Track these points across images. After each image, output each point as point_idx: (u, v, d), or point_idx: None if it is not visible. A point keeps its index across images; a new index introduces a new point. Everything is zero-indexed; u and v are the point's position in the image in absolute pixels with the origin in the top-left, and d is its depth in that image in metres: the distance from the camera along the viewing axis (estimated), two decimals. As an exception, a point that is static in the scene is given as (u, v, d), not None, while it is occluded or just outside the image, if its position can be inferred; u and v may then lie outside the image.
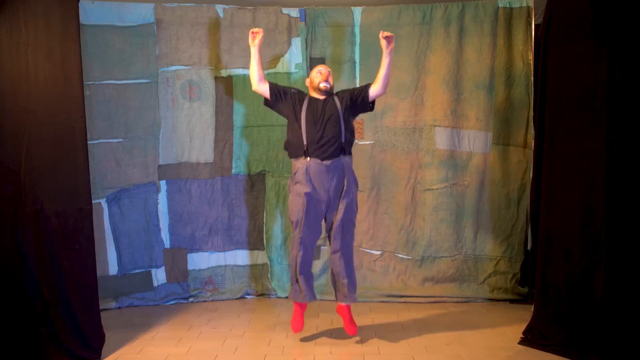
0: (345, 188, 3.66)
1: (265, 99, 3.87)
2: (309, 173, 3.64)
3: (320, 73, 3.79)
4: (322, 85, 3.74)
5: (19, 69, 3.26)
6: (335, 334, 3.88)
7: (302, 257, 3.66)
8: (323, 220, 3.79)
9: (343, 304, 3.73)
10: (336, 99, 3.77)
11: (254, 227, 4.85)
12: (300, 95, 3.82)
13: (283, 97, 3.81)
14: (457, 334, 3.84)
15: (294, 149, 3.75)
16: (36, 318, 3.23)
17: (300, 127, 3.69)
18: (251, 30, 3.84)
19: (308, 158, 3.66)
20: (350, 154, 3.73)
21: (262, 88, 3.83)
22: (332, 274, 3.80)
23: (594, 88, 3.33)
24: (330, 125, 3.65)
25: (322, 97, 3.76)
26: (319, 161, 3.64)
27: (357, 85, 4.76)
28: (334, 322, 4.09)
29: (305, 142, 3.66)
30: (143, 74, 4.62)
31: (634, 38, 3.20)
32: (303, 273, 3.69)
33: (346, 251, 3.70)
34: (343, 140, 3.66)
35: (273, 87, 3.84)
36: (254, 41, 3.81)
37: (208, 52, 4.71)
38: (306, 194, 3.62)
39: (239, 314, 4.38)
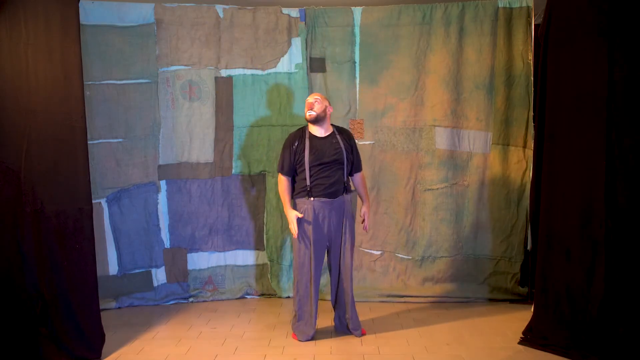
0: (344, 223, 3.75)
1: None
2: (314, 211, 3.67)
3: (306, 103, 3.77)
4: (307, 115, 3.73)
5: (19, 69, 3.26)
6: (335, 333, 3.88)
7: (312, 293, 3.71)
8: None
9: (359, 335, 3.81)
10: (339, 139, 3.75)
11: (254, 227, 4.85)
12: (300, 137, 3.76)
13: (294, 163, 3.75)
14: (457, 334, 3.84)
15: (297, 189, 3.77)
16: (36, 318, 3.23)
17: (304, 170, 3.69)
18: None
19: (312, 198, 3.68)
20: (349, 191, 3.81)
21: (287, 184, 3.80)
22: (336, 308, 3.88)
23: (594, 88, 3.33)
24: (335, 167, 3.69)
25: (322, 135, 3.75)
26: (323, 199, 3.67)
27: (357, 86, 4.78)
28: (333, 322, 4.09)
29: (308, 183, 3.68)
30: (143, 74, 4.62)
31: (633, 38, 3.20)
32: (308, 310, 3.73)
33: (348, 288, 3.78)
34: (345, 179, 3.75)
35: (287, 171, 3.76)
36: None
37: (208, 52, 4.71)
38: (313, 234, 3.67)
39: (239, 314, 4.38)
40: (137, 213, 4.63)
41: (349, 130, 3.94)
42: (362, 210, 3.91)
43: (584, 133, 3.38)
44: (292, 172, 3.77)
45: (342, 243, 3.75)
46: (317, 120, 3.73)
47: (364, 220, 3.91)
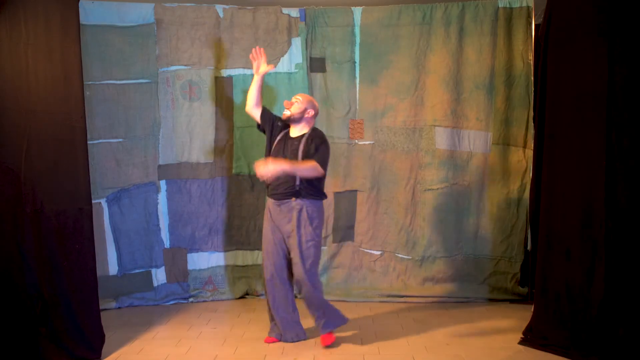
0: (294, 230, 3.55)
1: (257, 124, 3.83)
2: (270, 210, 3.65)
3: (285, 102, 3.72)
4: (283, 113, 3.68)
5: (19, 69, 3.25)
6: (335, 333, 3.87)
7: (274, 296, 3.63)
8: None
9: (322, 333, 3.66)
10: (304, 142, 3.59)
11: (254, 227, 4.84)
12: (282, 128, 3.74)
13: (268, 124, 3.75)
14: (457, 334, 3.84)
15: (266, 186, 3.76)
16: (36, 318, 3.23)
17: None
18: (254, 54, 3.73)
19: (267, 197, 3.68)
20: (308, 197, 3.55)
21: (255, 112, 3.79)
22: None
23: (594, 88, 3.32)
24: None
25: (294, 136, 3.67)
26: (272, 200, 3.63)
27: (357, 86, 4.78)
28: (334, 322, 4.10)
29: (267, 181, 3.65)
30: (143, 74, 4.62)
31: (633, 38, 3.20)
32: (268, 311, 3.69)
33: (308, 295, 3.58)
34: (297, 184, 3.53)
35: (264, 113, 3.78)
36: (259, 70, 3.75)
37: (208, 52, 4.71)
38: (270, 230, 3.64)
39: (239, 314, 4.38)
40: (137, 213, 4.63)
41: (322, 132, 3.70)
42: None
43: (584, 133, 3.38)
44: (264, 117, 3.74)
45: (293, 251, 3.57)
46: (291, 121, 3.67)
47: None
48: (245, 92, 4.73)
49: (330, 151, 3.68)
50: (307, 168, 3.50)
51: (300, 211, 3.56)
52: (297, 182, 3.54)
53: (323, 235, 4.78)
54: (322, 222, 3.70)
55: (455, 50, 4.68)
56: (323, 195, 3.67)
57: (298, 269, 3.56)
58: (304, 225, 3.56)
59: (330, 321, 3.65)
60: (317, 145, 3.59)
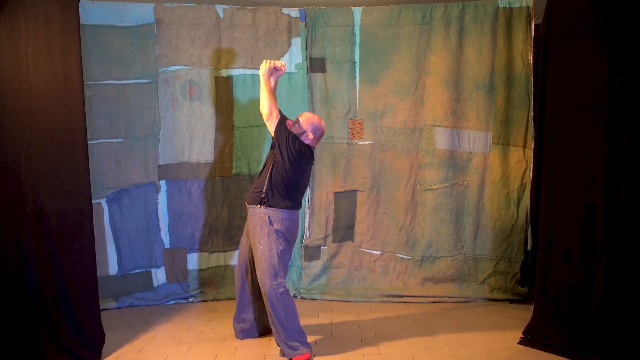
0: (256, 238, 3.46)
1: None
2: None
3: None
4: None
5: (19, 69, 3.25)
6: (335, 333, 3.88)
7: (237, 295, 3.74)
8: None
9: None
10: None
11: (254, 227, 4.85)
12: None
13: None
14: (457, 334, 3.84)
15: None
16: (36, 318, 3.23)
17: None
18: (274, 62, 3.58)
19: None
20: (273, 207, 3.42)
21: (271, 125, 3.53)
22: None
23: (594, 88, 3.33)
24: (263, 172, 3.52)
25: None
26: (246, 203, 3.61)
27: (357, 86, 4.78)
28: (333, 322, 4.10)
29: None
30: (143, 74, 4.62)
31: (634, 38, 3.20)
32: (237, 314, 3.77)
33: (268, 302, 3.43)
34: (264, 190, 3.45)
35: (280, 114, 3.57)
36: (271, 76, 3.61)
37: (208, 52, 4.71)
38: (245, 232, 3.67)
39: (239, 314, 4.38)
40: (137, 213, 4.63)
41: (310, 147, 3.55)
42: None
43: (584, 133, 3.38)
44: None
45: (255, 262, 3.48)
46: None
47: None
48: (244, 92, 4.75)
49: (295, 141, 3.41)
50: (265, 99, 3.48)
51: (263, 220, 3.44)
52: (264, 189, 3.45)
53: (322, 236, 4.81)
54: (291, 235, 3.51)
55: (455, 50, 4.69)
56: (292, 206, 3.48)
57: (260, 282, 3.45)
58: (266, 234, 3.42)
59: (286, 350, 3.42)
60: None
